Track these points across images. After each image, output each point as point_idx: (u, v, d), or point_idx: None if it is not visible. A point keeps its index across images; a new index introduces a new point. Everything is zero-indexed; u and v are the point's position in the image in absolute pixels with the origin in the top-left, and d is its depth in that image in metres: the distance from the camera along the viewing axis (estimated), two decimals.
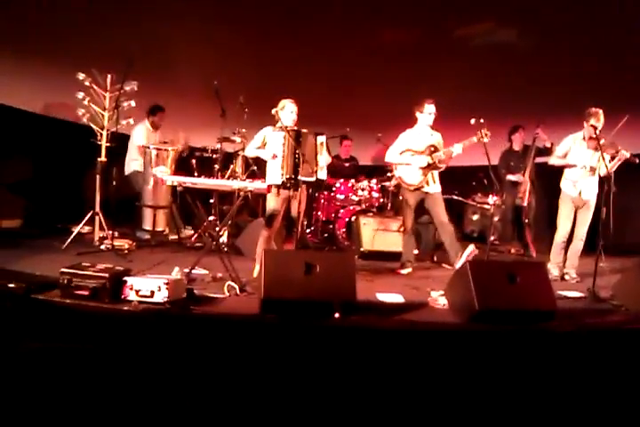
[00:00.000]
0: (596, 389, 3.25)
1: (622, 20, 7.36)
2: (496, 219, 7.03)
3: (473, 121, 5.24)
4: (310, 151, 4.94)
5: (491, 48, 8.52)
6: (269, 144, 4.94)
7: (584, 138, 5.58)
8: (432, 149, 5.62)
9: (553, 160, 5.84)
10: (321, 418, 2.93)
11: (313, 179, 4.91)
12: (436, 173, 5.67)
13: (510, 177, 7.29)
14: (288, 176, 4.82)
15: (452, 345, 3.55)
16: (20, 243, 5.66)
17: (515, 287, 3.84)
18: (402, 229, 6.02)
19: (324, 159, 5.03)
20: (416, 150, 5.65)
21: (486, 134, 5.31)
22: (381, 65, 8.53)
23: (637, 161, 5.42)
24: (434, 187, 5.66)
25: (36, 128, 6.92)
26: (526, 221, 7.19)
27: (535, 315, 3.82)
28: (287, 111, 4.93)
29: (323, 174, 5.02)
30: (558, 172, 5.79)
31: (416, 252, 6.03)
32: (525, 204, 7.14)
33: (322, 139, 5.06)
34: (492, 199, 6.97)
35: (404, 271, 5.69)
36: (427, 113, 5.59)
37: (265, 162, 5.02)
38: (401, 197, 5.99)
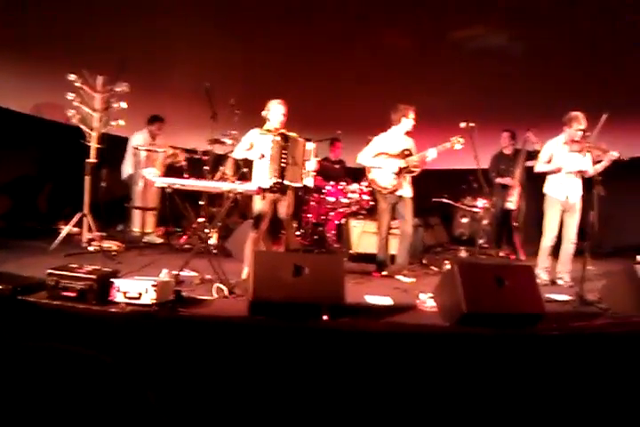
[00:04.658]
0: (582, 392, 3.27)
1: (616, 25, 7.42)
2: (485, 222, 7.06)
3: (463, 124, 5.24)
4: (299, 157, 4.97)
5: (482, 52, 8.57)
6: (257, 147, 4.95)
7: (565, 142, 5.60)
8: (406, 152, 5.60)
9: (539, 167, 5.78)
10: (309, 420, 2.92)
11: (300, 184, 4.98)
12: (408, 176, 5.63)
13: (500, 180, 7.32)
14: (275, 181, 4.82)
15: (440, 348, 3.56)
16: (6, 243, 5.62)
17: (503, 290, 3.85)
18: (390, 231, 5.77)
19: (311, 166, 5.07)
20: (391, 154, 5.62)
21: (459, 141, 5.34)
22: (373, 68, 8.56)
23: (627, 159, 5.41)
24: (407, 190, 5.63)
25: (25, 128, 6.88)
26: (515, 224, 7.20)
27: (523, 318, 3.83)
28: (275, 112, 4.94)
29: (309, 181, 5.06)
30: (545, 176, 5.79)
31: None
32: (515, 207, 7.15)
33: (311, 146, 5.10)
34: (481, 203, 6.98)
35: (383, 273, 5.64)
36: (411, 119, 5.58)
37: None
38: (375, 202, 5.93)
